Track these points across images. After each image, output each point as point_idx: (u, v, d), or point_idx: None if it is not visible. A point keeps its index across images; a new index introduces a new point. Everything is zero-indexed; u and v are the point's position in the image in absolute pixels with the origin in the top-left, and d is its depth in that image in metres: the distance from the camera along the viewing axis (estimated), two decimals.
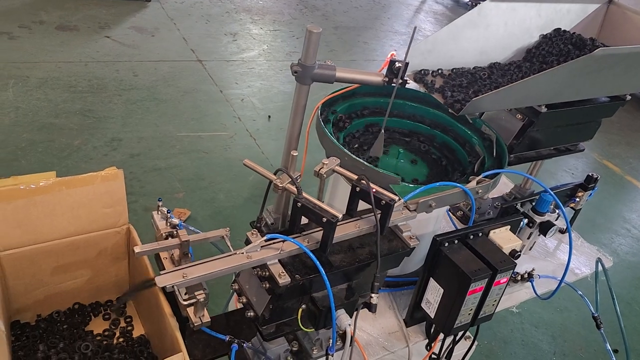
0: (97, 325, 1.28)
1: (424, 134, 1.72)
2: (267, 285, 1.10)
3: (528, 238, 1.70)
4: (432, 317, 1.42)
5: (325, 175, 1.22)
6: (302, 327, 1.15)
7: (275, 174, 1.19)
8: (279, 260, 1.10)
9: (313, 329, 1.18)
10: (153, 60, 4.48)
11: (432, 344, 1.49)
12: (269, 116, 4.07)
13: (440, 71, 1.68)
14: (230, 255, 1.07)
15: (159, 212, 1.19)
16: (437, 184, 1.34)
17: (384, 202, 1.17)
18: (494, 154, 1.58)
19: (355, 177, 1.22)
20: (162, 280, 0.98)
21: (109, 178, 1.14)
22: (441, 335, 1.50)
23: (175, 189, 3.08)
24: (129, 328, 1.29)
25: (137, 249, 1.04)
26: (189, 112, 3.90)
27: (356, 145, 1.62)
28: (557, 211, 1.70)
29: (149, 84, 4.14)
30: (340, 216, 1.09)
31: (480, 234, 1.43)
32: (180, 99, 4.04)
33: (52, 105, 3.65)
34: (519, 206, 1.72)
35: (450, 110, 1.51)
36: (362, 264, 1.18)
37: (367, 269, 1.20)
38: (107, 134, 3.47)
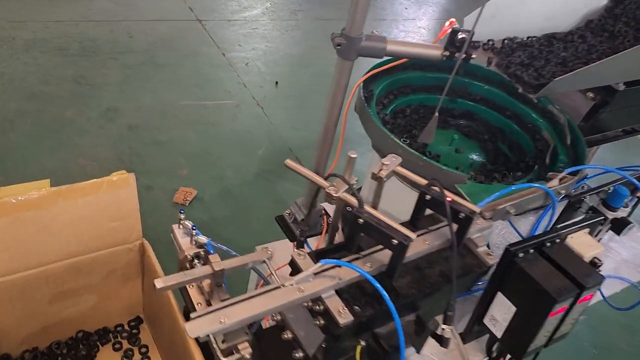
0: (106, 357, 1.06)
1: (480, 117, 1.47)
2: (322, 322, 0.88)
3: (596, 236, 1.48)
4: (499, 337, 1.21)
5: (385, 179, 0.98)
6: None
7: (326, 179, 0.95)
8: (336, 291, 0.88)
9: None
10: (149, 19, 4.14)
11: None
12: (276, 82, 3.78)
13: (491, 43, 1.43)
14: (277, 288, 0.84)
15: (181, 226, 0.95)
16: (518, 185, 1.10)
17: (462, 215, 0.93)
18: (568, 141, 1.34)
19: (424, 181, 0.98)
20: (194, 329, 0.76)
21: (117, 185, 0.90)
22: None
23: (178, 165, 2.84)
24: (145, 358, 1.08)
25: (158, 284, 0.81)
26: (190, 78, 3.61)
27: (399, 131, 1.37)
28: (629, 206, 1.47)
29: (145, 46, 3.82)
30: (414, 236, 0.85)
31: (557, 240, 1.20)
32: (180, 63, 3.73)
33: (41, 71, 3.34)
34: (587, 201, 1.49)
35: (520, 91, 1.26)
36: (434, 290, 0.96)
37: (436, 293, 0.98)
38: (102, 103, 3.19)
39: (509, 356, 1.30)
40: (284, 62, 4.09)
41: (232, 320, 0.78)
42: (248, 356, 0.78)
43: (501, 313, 1.19)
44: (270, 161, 3.02)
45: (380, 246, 0.94)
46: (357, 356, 0.93)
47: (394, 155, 1.01)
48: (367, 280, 0.87)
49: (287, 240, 1.46)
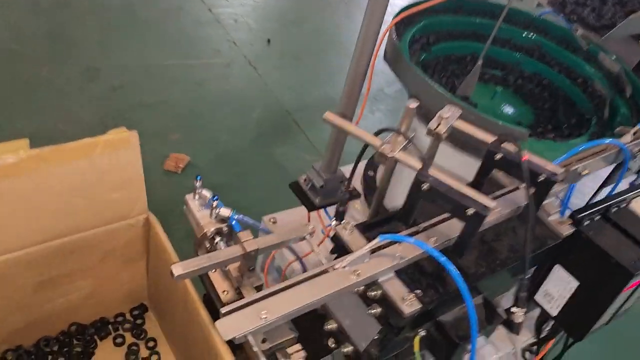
0: (106, 354, 0.89)
1: (526, 69, 1.29)
2: (379, 310, 0.71)
3: None
4: (554, 315, 1.06)
5: (445, 135, 0.80)
6: None
7: (377, 134, 0.77)
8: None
9: None
10: None
11: (545, 347, 1.15)
12: (269, 40, 3.54)
13: None
14: (325, 272, 0.67)
15: (197, 196, 0.77)
16: (589, 143, 0.94)
17: (542, 176, 0.77)
18: (627, 92, 1.17)
19: (490, 137, 0.81)
20: (228, 328, 0.58)
21: (116, 145, 0.71)
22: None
23: (168, 129, 2.62)
24: (155, 358, 0.90)
25: (177, 270, 0.63)
26: (175, 35, 3.35)
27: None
28: None
29: (125, 1, 3.53)
30: (494, 205, 0.69)
31: (622, 205, 1.05)
32: (163, 20, 3.46)
33: (12, 29, 3.05)
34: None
35: (579, 33, 1.08)
36: (503, 267, 0.80)
37: (504, 271, 0.82)
38: (81, 62, 2.93)
39: (559, 335, 1.17)
40: (275, 18, 3.83)
41: (275, 315, 0.60)
42: None
43: (558, 289, 1.04)
44: (267, 124, 2.82)
45: (443, 217, 0.78)
46: (416, 348, 0.78)
47: (452, 105, 0.83)
48: (427, 258, 0.71)
49: (294, 209, 1.30)
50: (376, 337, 0.73)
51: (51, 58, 2.89)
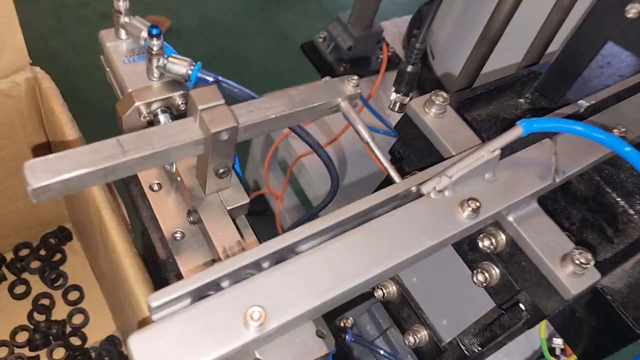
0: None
1: None
2: (495, 278, 0.34)
3: None
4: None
5: None
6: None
7: None
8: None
9: None
10: None
11: None
12: None
13: None
14: (391, 198, 0.29)
15: (123, 32, 0.37)
16: None
17: None
18: None
19: None
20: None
21: None
22: None
23: None
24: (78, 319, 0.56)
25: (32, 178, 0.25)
26: None
27: None
28: None
29: None
30: None
31: None
32: None
33: None
34: None
35: None
36: None
37: None
38: None
39: None
40: None
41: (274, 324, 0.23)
42: None
43: None
44: None
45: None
46: (542, 335, 0.42)
47: None
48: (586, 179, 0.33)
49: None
50: (481, 326, 0.37)
51: None
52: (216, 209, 0.34)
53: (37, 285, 0.64)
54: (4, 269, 0.63)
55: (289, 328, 0.26)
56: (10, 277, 0.63)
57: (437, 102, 0.36)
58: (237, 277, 0.25)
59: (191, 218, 0.34)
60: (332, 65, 0.90)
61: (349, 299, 0.27)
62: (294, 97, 0.34)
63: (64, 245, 0.67)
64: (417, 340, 0.41)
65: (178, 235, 0.34)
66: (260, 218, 1.19)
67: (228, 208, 0.34)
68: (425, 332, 0.40)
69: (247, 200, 0.35)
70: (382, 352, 0.58)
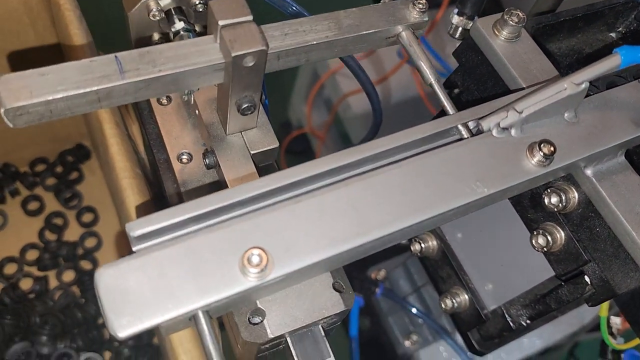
0: (13, 223, 0.55)
1: None
2: (558, 238, 0.28)
3: None
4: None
5: None
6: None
7: None
8: None
9: None
10: None
11: None
12: None
13: None
14: (459, 139, 0.22)
15: None
16: None
17: None
18: None
19: None
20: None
21: None
22: None
23: None
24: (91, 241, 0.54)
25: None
26: None
27: None
28: None
29: None
30: None
31: None
32: None
33: None
34: None
35: None
36: None
37: None
38: None
39: None
40: None
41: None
42: None
43: None
44: None
45: None
46: (603, 313, 0.36)
47: None
48: None
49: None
50: (533, 296, 0.31)
51: None
52: (237, 152, 0.29)
53: (51, 204, 0.62)
54: (18, 183, 0.62)
55: (298, 279, 0.21)
56: (24, 193, 0.62)
57: (510, 22, 0.29)
58: (238, 210, 0.21)
59: (207, 161, 0.29)
60: None
61: (376, 251, 0.22)
62: (342, 20, 0.28)
63: (82, 163, 0.65)
64: (456, 304, 0.36)
65: (184, 157, 0.29)
66: (298, 158, 1.14)
67: (252, 152, 0.29)
68: (466, 297, 0.35)
69: (277, 144, 0.30)
70: (414, 310, 0.54)
